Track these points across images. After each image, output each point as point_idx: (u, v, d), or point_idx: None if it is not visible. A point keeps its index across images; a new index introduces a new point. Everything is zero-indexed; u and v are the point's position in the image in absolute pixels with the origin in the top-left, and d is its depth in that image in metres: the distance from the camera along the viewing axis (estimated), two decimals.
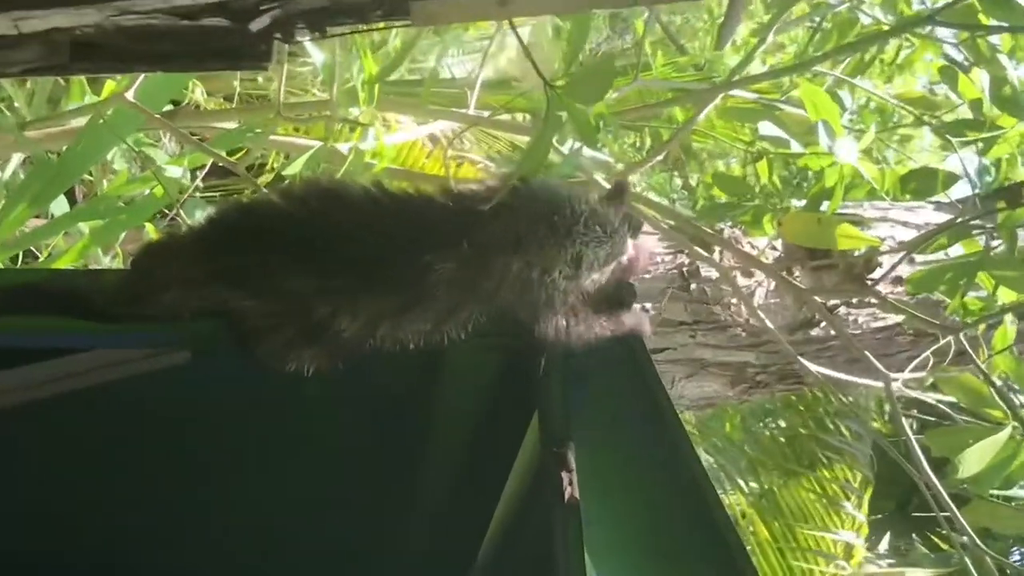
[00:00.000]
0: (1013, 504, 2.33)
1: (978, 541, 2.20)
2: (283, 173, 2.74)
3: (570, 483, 1.35)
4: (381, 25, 1.07)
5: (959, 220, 2.37)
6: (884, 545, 6.54)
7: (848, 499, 3.91)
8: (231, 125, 2.82)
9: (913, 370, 2.60)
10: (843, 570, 3.84)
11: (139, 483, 1.60)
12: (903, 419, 2.23)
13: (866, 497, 3.98)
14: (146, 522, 1.65)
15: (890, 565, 5.14)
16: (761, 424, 3.99)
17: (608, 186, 2.32)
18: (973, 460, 2.26)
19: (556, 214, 1.33)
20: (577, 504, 1.33)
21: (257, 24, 1.04)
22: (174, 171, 2.53)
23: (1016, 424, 2.12)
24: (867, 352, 2.37)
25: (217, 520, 1.71)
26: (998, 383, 2.46)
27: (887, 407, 2.35)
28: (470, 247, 1.28)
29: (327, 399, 1.54)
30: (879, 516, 5.89)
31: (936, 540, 5.45)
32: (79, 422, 1.47)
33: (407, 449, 1.71)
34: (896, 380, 2.18)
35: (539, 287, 1.34)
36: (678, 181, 3.48)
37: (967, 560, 2.38)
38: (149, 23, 1.05)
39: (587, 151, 2.40)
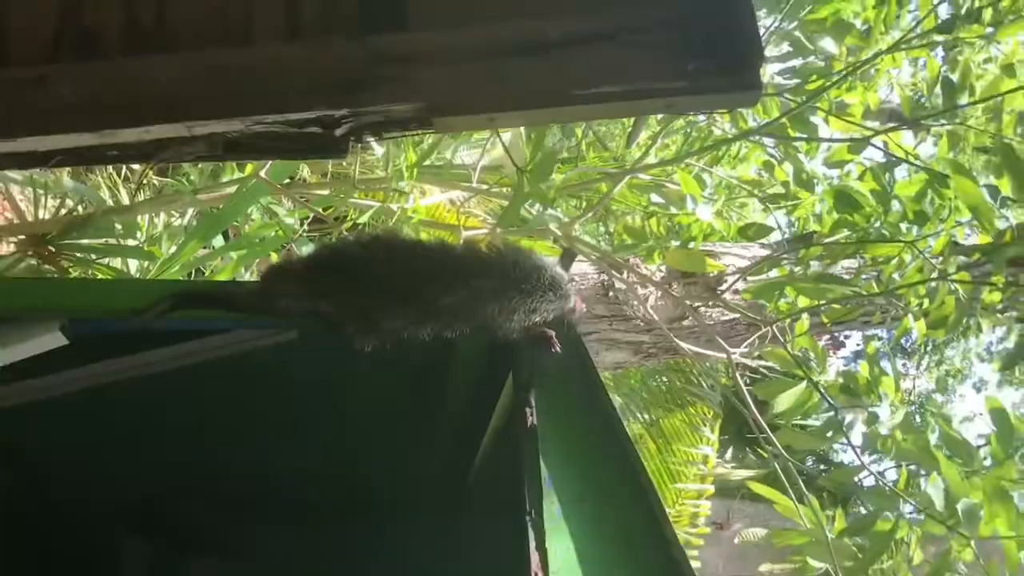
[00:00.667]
0: (807, 431, 2.32)
1: (784, 453, 2.21)
2: (357, 222, 2.71)
3: (530, 414, 1.32)
4: (417, 132, 1.07)
5: (774, 255, 2.39)
6: (728, 456, 6.56)
7: (705, 426, 3.91)
8: (325, 192, 2.81)
9: (747, 347, 2.63)
10: (702, 471, 3.84)
11: (261, 425, 1.58)
12: (739, 377, 2.23)
13: (716, 425, 3.98)
14: (261, 455, 1.61)
15: (732, 467, 5.14)
16: (653, 380, 3.98)
17: (559, 239, 2.33)
18: (783, 401, 2.27)
19: (525, 283, 1.31)
20: (535, 428, 1.30)
21: (340, 131, 1.04)
22: (289, 220, 2.51)
23: (809, 380, 2.13)
24: (717, 336, 2.39)
25: (304, 452, 1.67)
26: (798, 354, 2.49)
27: (730, 370, 2.35)
28: (467, 289, 1.28)
29: (381, 367, 1.49)
30: (725, 437, 5.89)
31: (761, 452, 5.45)
32: (227, 380, 1.43)
33: (430, 402, 1.65)
34: (734, 353, 2.18)
35: (506, 320, 1.32)
36: (602, 228, 3.47)
37: (777, 466, 2.39)
38: (273, 130, 1.05)
39: (546, 210, 2.42)
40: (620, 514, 1.24)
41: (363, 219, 2.43)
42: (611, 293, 2.86)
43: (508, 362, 1.45)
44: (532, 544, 1.10)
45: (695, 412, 3.92)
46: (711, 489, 3.93)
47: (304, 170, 3.33)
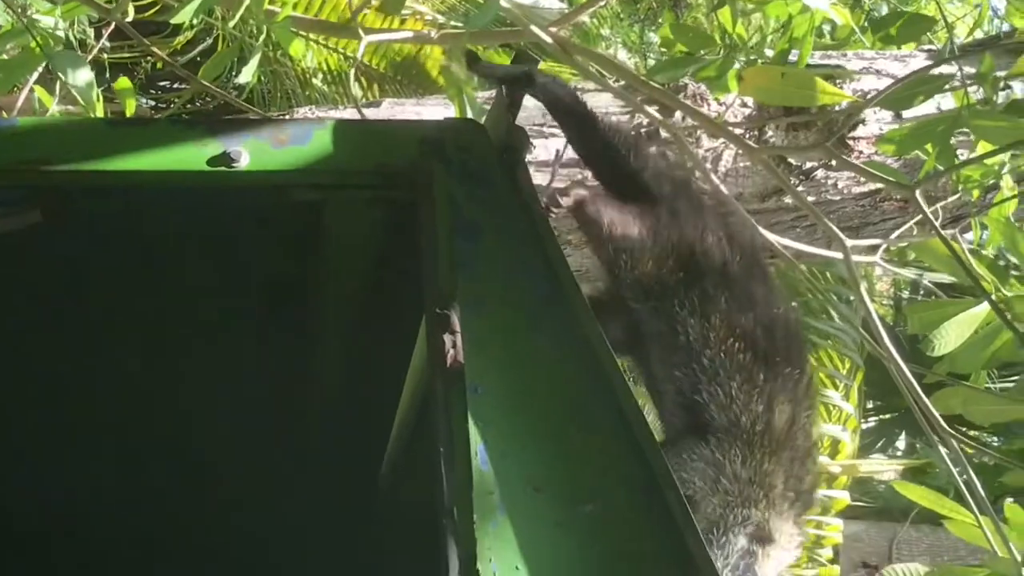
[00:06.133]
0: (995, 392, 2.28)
1: (947, 429, 2.17)
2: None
3: (453, 346, 1.36)
4: None
5: (931, 69, 2.29)
6: (900, 444, 6.61)
7: (836, 388, 3.88)
8: None
9: (895, 241, 2.57)
10: (829, 468, 3.84)
11: None
12: (863, 289, 2.18)
13: (856, 385, 3.95)
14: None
15: (887, 461, 5.16)
16: None
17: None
18: (951, 336, 2.23)
19: None
20: (461, 369, 1.34)
21: None
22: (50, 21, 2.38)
23: (988, 297, 2.07)
24: (830, 222, 2.31)
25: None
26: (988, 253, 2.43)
27: (854, 282, 2.30)
28: None
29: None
30: (877, 407, 5.91)
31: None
32: None
33: (281, 322, 1.83)
34: (851, 245, 2.12)
35: None
36: (649, 34, 3.37)
37: (942, 451, 2.37)
38: None
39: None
40: (610, 518, 1.29)
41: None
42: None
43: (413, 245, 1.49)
44: (455, 563, 1.20)
45: (819, 363, 3.87)
46: (843, 497, 3.93)
47: None
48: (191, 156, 1.53)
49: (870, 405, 6.47)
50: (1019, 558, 2.13)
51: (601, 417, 1.35)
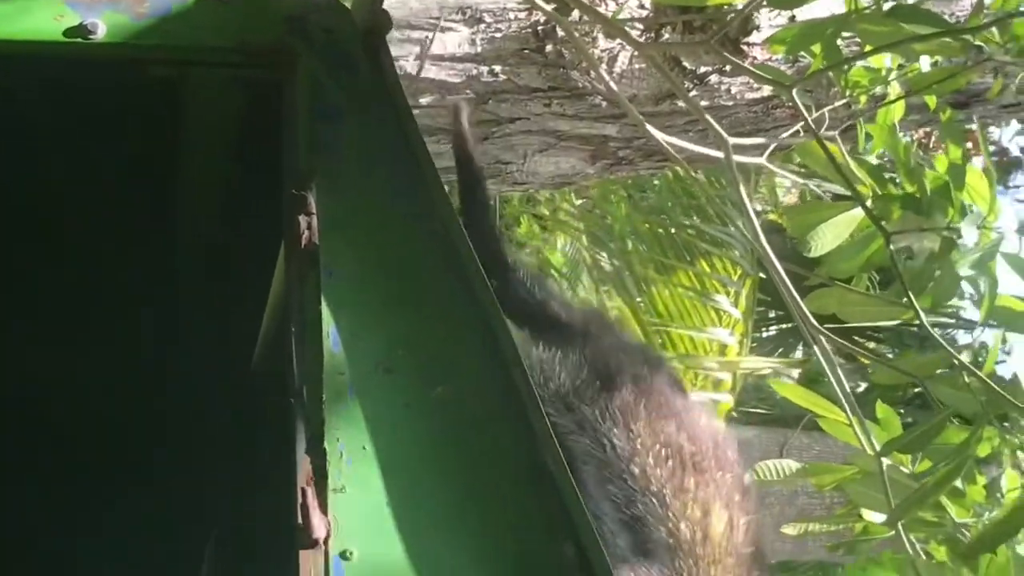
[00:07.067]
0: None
1: (817, 326, 2.20)
2: None
3: (308, 227, 1.35)
4: None
5: None
6: (798, 354, 6.73)
7: (726, 293, 3.94)
8: None
9: (781, 143, 2.58)
10: (715, 370, 3.92)
11: None
12: (742, 189, 2.19)
13: (746, 291, 4.01)
14: None
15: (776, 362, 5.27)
16: (644, 213, 3.98)
17: None
18: (827, 238, 2.25)
19: None
20: (315, 250, 1.34)
21: None
22: None
23: (856, 195, 2.09)
24: (719, 125, 2.31)
25: None
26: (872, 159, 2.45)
27: (735, 186, 2.31)
28: None
29: None
30: (779, 318, 6.02)
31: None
32: None
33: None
34: (733, 143, 2.12)
35: None
36: None
37: (816, 350, 2.41)
38: None
39: None
40: (463, 396, 1.31)
41: None
42: (549, 47, 2.77)
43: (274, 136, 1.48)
44: (302, 443, 1.20)
45: (711, 270, 3.93)
46: (727, 401, 4.02)
47: None
48: (46, 26, 1.47)
49: (772, 315, 6.60)
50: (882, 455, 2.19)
51: (454, 301, 1.36)
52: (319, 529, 1.14)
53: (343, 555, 1.15)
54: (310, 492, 1.15)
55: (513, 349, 1.33)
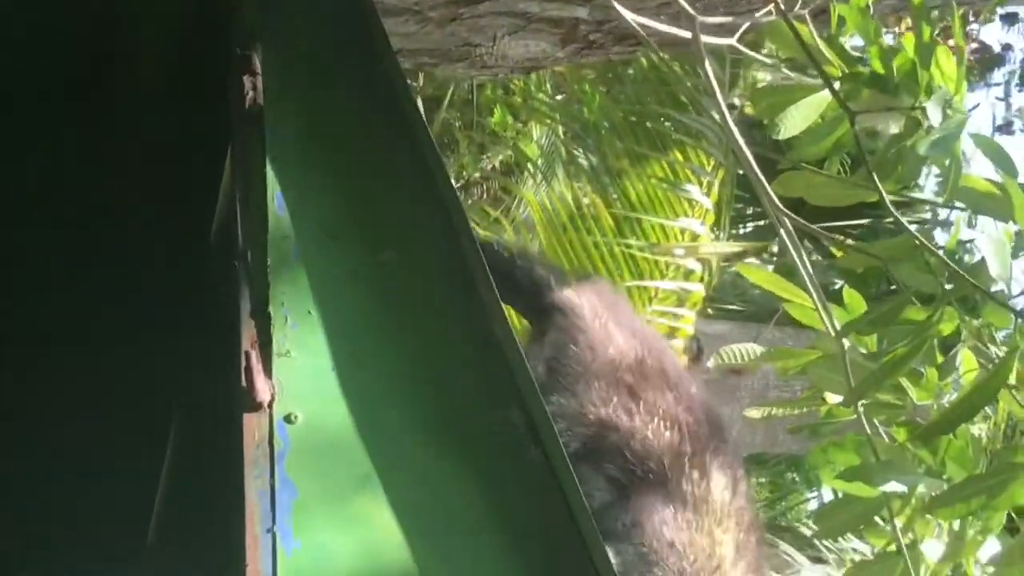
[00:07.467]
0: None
1: (782, 209, 2.19)
2: None
3: (253, 88, 1.34)
4: None
5: None
6: (775, 248, 6.73)
7: (698, 183, 3.91)
8: None
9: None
10: (682, 259, 3.92)
11: None
12: (709, 69, 2.15)
13: (719, 180, 3.99)
14: None
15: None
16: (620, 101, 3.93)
17: None
18: (796, 120, 2.22)
19: None
20: (260, 111, 1.32)
21: None
22: None
23: (824, 75, 2.06)
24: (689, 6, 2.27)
25: None
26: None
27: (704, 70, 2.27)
28: None
29: None
30: (757, 213, 6.02)
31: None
32: None
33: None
34: (700, 21, 2.09)
35: None
36: None
37: (783, 235, 2.40)
38: None
39: None
40: (410, 264, 1.30)
41: None
42: None
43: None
44: (247, 306, 1.21)
45: (684, 159, 3.90)
46: (698, 291, 4.03)
47: None
48: None
49: (750, 211, 6.58)
50: (843, 338, 2.19)
51: (404, 168, 1.34)
52: (263, 392, 1.13)
53: (287, 418, 1.14)
54: (254, 355, 1.14)
55: (463, 219, 1.32)
